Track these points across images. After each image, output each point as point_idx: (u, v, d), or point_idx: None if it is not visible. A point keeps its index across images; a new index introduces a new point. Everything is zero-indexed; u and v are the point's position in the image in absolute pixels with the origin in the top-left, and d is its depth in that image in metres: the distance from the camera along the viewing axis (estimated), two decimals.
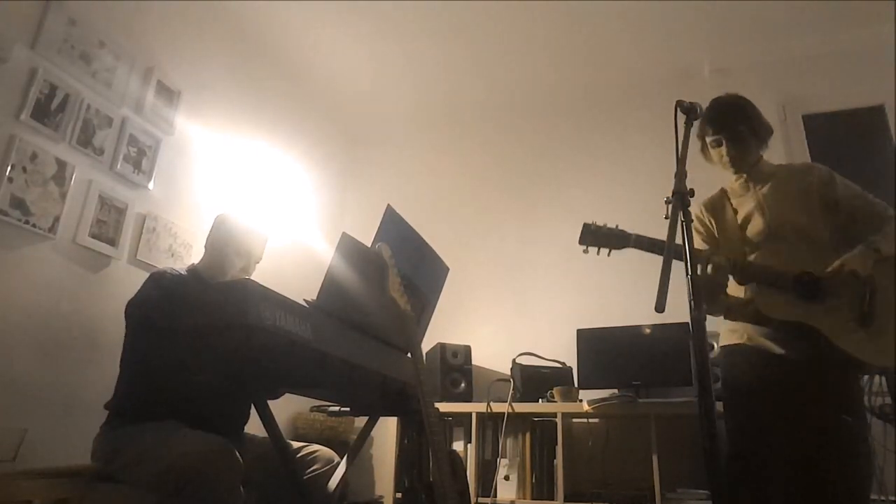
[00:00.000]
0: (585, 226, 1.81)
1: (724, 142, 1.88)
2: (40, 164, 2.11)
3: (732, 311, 1.86)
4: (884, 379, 2.14)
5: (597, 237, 1.79)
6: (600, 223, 1.81)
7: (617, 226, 1.81)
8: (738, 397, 1.78)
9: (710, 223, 2.00)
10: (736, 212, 1.95)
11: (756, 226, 1.87)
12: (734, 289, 1.88)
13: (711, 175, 2.03)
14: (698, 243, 1.91)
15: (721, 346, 1.93)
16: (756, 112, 1.94)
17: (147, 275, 1.93)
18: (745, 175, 1.96)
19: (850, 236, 1.77)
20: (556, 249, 3.45)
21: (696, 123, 1.76)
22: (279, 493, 1.79)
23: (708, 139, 1.92)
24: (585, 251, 1.81)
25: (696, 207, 1.97)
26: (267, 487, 1.79)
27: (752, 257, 1.85)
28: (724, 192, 2.02)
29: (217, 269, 2.01)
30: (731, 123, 1.86)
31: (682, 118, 1.54)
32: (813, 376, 1.65)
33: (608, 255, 1.79)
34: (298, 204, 3.66)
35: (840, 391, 1.65)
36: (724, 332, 1.94)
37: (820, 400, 1.63)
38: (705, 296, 1.67)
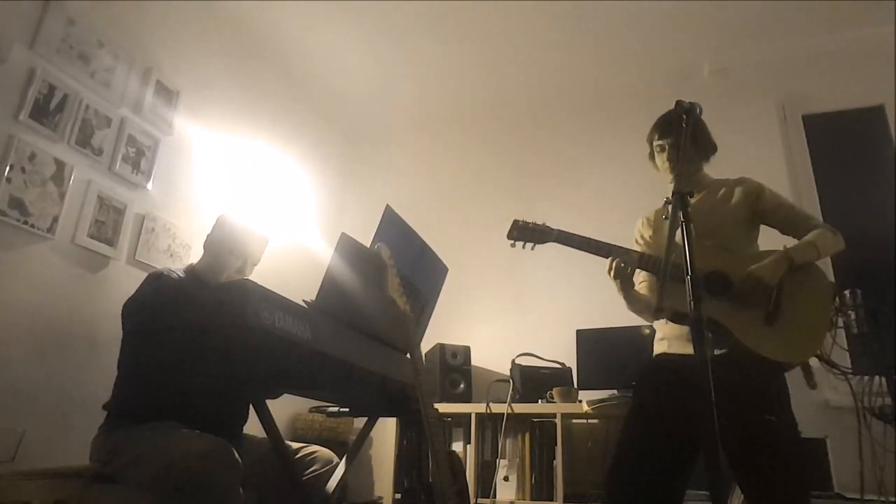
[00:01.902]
0: (514, 221, 1.96)
1: (666, 148, 1.95)
2: (39, 164, 2.11)
3: (648, 310, 1.93)
4: (883, 380, 2.15)
5: (522, 232, 1.94)
6: (528, 220, 1.97)
7: (545, 223, 1.95)
8: (644, 404, 1.82)
9: (644, 236, 2.08)
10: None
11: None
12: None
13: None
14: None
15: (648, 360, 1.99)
16: (702, 126, 1.96)
17: (145, 275, 1.93)
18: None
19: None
20: (555, 250, 3.44)
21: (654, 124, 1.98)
22: (278, 493, 1.79)
23: (654, 144, 2.00)
24: (512, 245, 1.97)
25: (638, 220, 2.11)
26: (266, 488, 1.78)
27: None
28: (664, 204, 2.03)
29: (214, 270, 2.01)
30: (675, 132, 1.87)
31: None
32: (728, 375, 1.59)
33: (532, 248, 1.94)
34: (297, 204, 3.66)
35: (757, 388, 1.65)
36: (655, 342, 2.00)
37: (737, 399, 1.58)
38: (617, 288, 1.85)
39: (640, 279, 1.99)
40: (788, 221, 1.89)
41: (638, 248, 2.02)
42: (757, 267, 1.72)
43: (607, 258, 1.85)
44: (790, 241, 1.85)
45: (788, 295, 1.73)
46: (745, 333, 1.68)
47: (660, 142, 1.98)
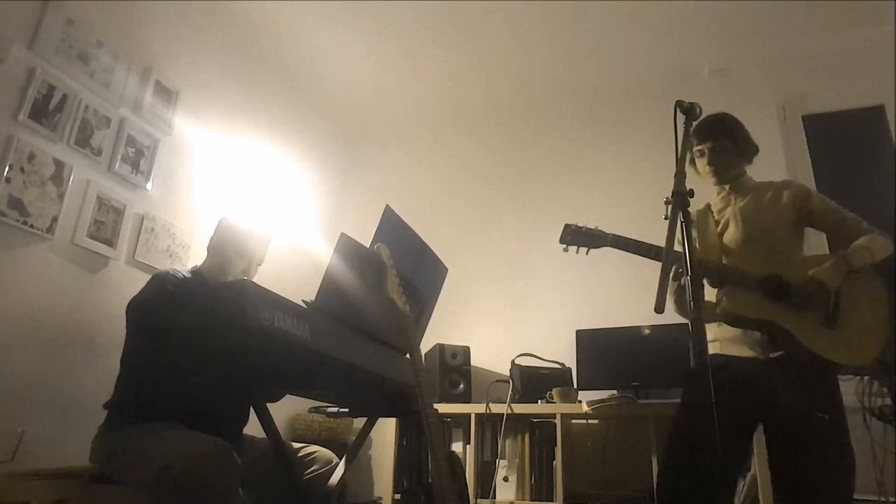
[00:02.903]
0: (566, 226, 1.96)
1: (706, 153, 1.97)
2: (38, 164, 2.11)
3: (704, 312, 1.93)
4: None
5: (576, 236, 1.94)
6: (580, 224, 1.96)
7: (597, 227, 1.95)
8: (692, 402, 1.83)
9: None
10: (717, 223, 2.03)
11: (731, 234, 1.96)
12: (709, 293, 1.93)
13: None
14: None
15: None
16: (741, 129, 2.02)
17: (144, 275, 1.93)
18: (727, 188, 2.04)
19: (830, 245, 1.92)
20: (555, 250, 3.38)
21: (692, 130, 1.89)
22: (278, 494, 1.79)
23: (695, 149, 2.01)
24: (565, 250, 1.96)
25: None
26: (265, 488, 1.78)
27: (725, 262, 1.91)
28: (707, 206, 2.11)
29: (219, 271, 2.01)
30: (715, 136, 1.95)
31: (681, 118, 1.54)
32: (785, 375, 1.71)
33: (587, 253, 1.94)
34: (297, 204, 3.66)
35: (813, 389, 1.69)
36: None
37: (793, 398, 1.68)
38: (672, 290, 1.83)
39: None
40: (839, 226, 1.88)
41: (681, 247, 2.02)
42: (818, 270, 1.73)
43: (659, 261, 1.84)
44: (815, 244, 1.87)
45: (847, 298, 1.74)
46: (807, 336, 1.70)
47: (699, 146, 1.99)
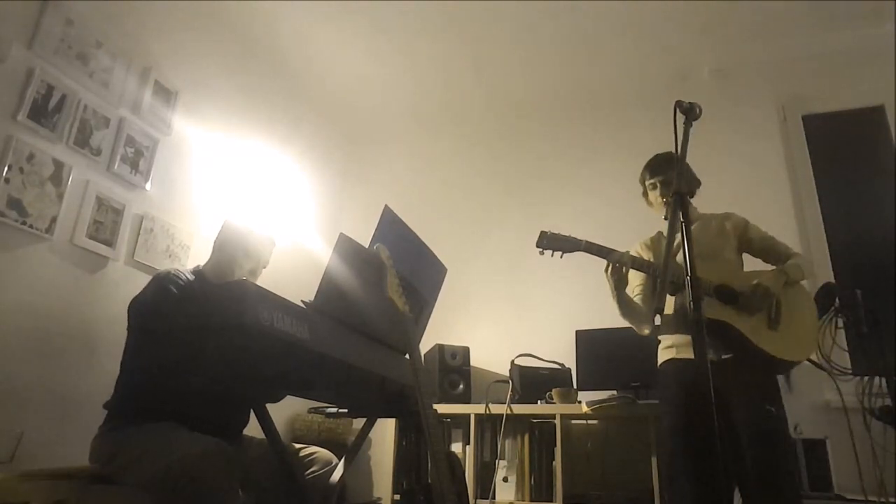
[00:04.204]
0: (542, 232, 2.14)
1: (658, 186, 2.21)
2: (37, 164, 2.10)
3: (638, 317, 2.19)
4: (883, 381, 2.16)
5: (551, 241, 2.12)
6: (555, 231, 2.14)
7: (570, 235, 2.12)
8: (669, 405, 2.03)
9: (643, 256, 2.26)
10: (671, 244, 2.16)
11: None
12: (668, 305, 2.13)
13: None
14: (633, 272, 2.17)
15: (658, 366, 2.18)
16: (685, 167, 2.17)
17: (143, 275, 1.93)
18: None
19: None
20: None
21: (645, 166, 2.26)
22: (277, 494, 1.78)
23: (647, 183, 2.27)
24: (541, 253, 2.13)
25: (634, 245, 2.31)
26: (265, 489, 1.78)
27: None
28: (660, 233, 2.34)
29: (224, 271, 2.00)
30: (665, 170, 2.20)
31: (681, 118, 1.53)
32: (735, 374, 1.90)
33: (560, 257, 2.10)
34: (296, 204, 3.66)
35: (760, 385, 1.92)
36: (659, 350, 2.20)
37: (744, 392, 1.89)
38: (611, 290, 2.08)
39: (636, 291, 2.22)
40: (771, 250, 2.19)
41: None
42: (763, 278, 1.99)
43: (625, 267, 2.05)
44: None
45: (785, 305, 2.00)
46: (755, 335, 1.93)
47: (651, 180, 2.24)
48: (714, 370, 1.80)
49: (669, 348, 2.13)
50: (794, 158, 3.25)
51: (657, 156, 2.28)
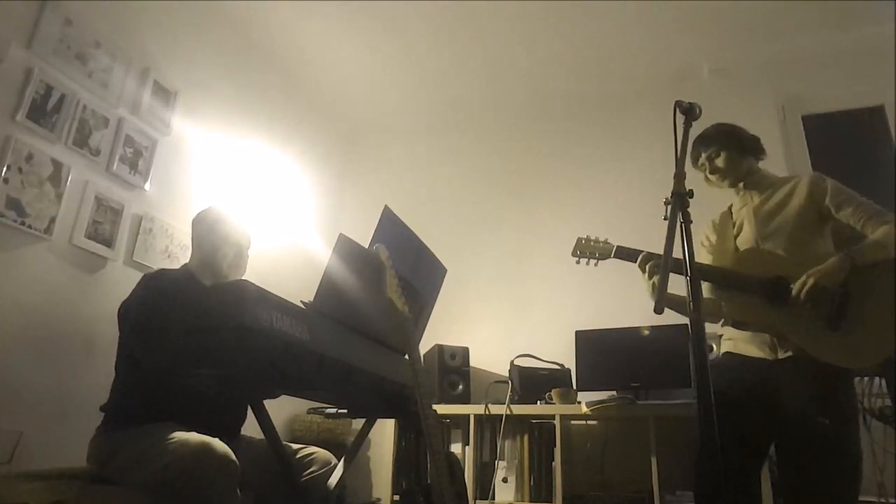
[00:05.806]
0: (578, 239, 2.08)
1: (706, 163, 2.06)
2: (36, 164, 2.10)
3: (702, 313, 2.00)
4: (883, 381, 2.15)
5: (586, 249, 2.05)
6: (592, 237, 2.07)
7: (606, 239, 2.05)
8: (720, 406, 1.87)
9: (710, 240, 2.11)
10: (734, 225, 2.06)
11: (745, 235, 1.99)
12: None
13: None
14: (704, 257, 2.04)
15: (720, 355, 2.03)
16: (736, 129, 2.07)
17: (143, 276, 1.91)
18: (740, 186, 2.07)
19: (845, 238, 1.84)
20: (554, 251, 3.43)
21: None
22: (276, 495, 1.78)
23: (699, 164, 2.09)
24: (577, 262, 2.08)
25: (705, 225, 2.13)
26: (264, 489, 1.78)
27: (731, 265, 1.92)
28: (729, 208, 2.13)
29: (209, 264, 1.99)
30: (707, 145, 2.04)
31: (681, 118, 1.53)
32: (793, 376, 1.70)
33: (595, 265, 2.06)
34: (295, 205, 3.65)
35: (818, 392, 1.64)
36: (721, 341, 2.05)
37: (795, 402, 1.67)
38: (651, 294, 1.83)
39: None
40: (857, 218, 1.80)
41: (704, 251, 2.08)
42: (815, 270, 1.68)
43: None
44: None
45: (856, 298, 1.68)
46: (808, 341, 1.67)
47: (701, 160, 2.07)
48: (768, 372, 1.76)
49: (728, 341, 1.96)
50: (794, 158, 3.24)
51: (704, 130, 2.07)
